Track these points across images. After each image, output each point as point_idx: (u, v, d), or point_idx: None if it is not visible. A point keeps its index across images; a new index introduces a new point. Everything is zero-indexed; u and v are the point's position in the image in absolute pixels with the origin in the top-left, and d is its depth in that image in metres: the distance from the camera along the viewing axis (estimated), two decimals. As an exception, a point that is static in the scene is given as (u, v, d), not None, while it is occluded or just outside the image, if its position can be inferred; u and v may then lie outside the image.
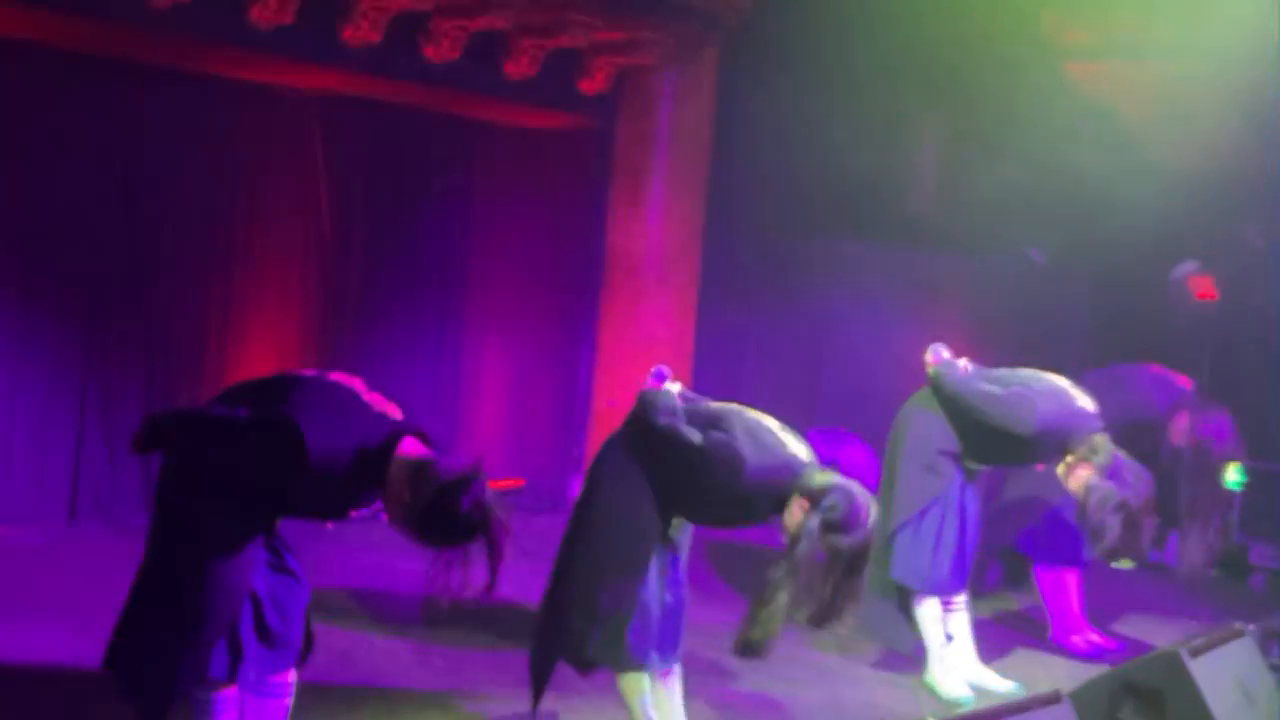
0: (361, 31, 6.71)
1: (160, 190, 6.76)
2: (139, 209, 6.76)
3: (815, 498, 3.79)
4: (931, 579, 5.20)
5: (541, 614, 4.27)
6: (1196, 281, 9.03)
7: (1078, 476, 4.93)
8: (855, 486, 3.82)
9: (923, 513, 5.21)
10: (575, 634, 4.12)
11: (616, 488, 4.14)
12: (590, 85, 8.01)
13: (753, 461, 3.89)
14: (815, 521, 3.75)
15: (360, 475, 3.24)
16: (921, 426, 5.30)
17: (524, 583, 6.47)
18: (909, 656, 5.37)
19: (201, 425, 3.26)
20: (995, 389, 5.10)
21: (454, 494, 3.16)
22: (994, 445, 5.10)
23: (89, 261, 6.61)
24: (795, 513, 3.83)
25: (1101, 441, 4.97)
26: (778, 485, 3.89)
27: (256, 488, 3.26)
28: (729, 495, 3.92)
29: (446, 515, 3.16)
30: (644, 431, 4.07)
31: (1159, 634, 5.83)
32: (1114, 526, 4.78)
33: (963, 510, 5.24)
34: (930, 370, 5.28)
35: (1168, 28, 7.38)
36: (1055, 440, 4.98)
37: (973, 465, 5.28)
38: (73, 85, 6.47)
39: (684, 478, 3.98)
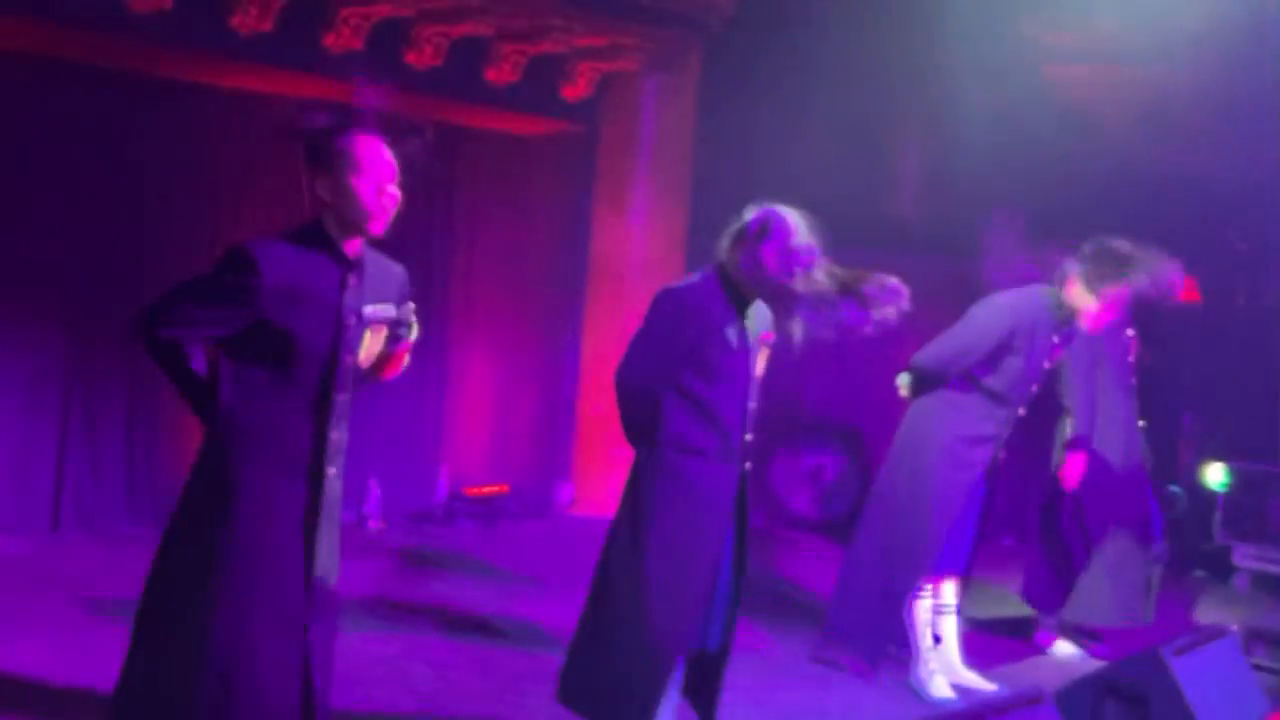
0: (343, 39, 6.71)
1: (144, 196, 6.76)
2: (122, 215, 6.75)
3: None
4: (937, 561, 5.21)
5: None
6: (1178, 283, 9.05)
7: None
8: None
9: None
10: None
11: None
12: (572, 91, 8.02)
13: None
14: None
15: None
16: (939, 420, 5.24)
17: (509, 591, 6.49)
18: (893, 658, 5.37)
19: (167, 298, 3.28)
20: (952, 338, 5.16)
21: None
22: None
23: (70, 269, 6.60)
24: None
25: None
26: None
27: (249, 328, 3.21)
28: None
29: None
30: None
31: (1143, 635, 5.82)
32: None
33: (979, 496, 5.24)
34: (904, 380, 5.27)
35: (1147, 31, 7.41)
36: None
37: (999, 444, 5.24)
38: (50, 92, 6.46)
39: None
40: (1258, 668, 4.95)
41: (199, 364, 3.29)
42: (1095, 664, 5.30)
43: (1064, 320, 5.18)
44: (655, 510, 4.10)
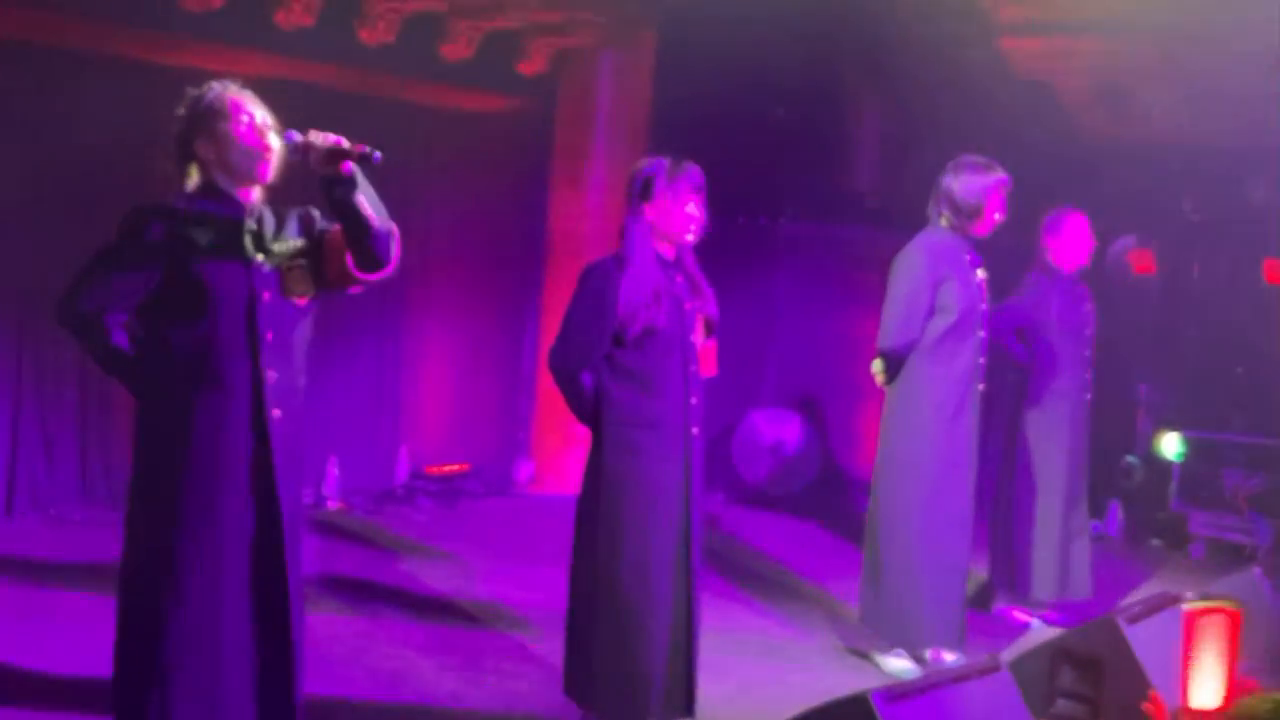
0: (294, 15, 6.63)
1: (95, 174, 6.66)
2: (72, 195, 6.65)
3: None
4: None
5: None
6: (1135, 255, 9.13)
7: None
8: None
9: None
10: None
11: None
12: (528, 67, 7.97)
13: None
14: None
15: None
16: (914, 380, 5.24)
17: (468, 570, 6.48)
18: (856, 632, 5.40)
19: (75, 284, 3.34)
20: (893, 306, 5.14)
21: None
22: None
23: (21, 249, 6.50)
24: None
25: None
26: None
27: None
28: None
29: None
30: None
31: (1097, 603, 5.87)
32: None
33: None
34: (878, 366, 5.25)
35: (1101, 3, 7.43)
36: None
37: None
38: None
39: None
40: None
41: (120, 338, 3.34)
42: (1050, 632, 5.33)
43: (966, 236, 5.19)
44: (611, 487, 4.11)
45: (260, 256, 3.35)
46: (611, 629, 4.09)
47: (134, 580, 3.36)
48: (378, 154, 3.24)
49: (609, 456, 4.12)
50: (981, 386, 5.20)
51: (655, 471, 4.11)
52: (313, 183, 3.32)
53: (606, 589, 4.10)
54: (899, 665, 5.16)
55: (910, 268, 5.15)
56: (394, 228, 3.40)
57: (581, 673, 4.18)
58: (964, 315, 5.11)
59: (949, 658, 5.16)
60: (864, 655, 5.31)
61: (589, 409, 4.17)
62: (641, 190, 4.15)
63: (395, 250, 3.41)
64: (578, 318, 4.14)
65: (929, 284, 5.08)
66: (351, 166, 3.25)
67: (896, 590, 5.13)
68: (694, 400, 4.18)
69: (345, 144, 3.23)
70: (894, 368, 5.19)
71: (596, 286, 4.10)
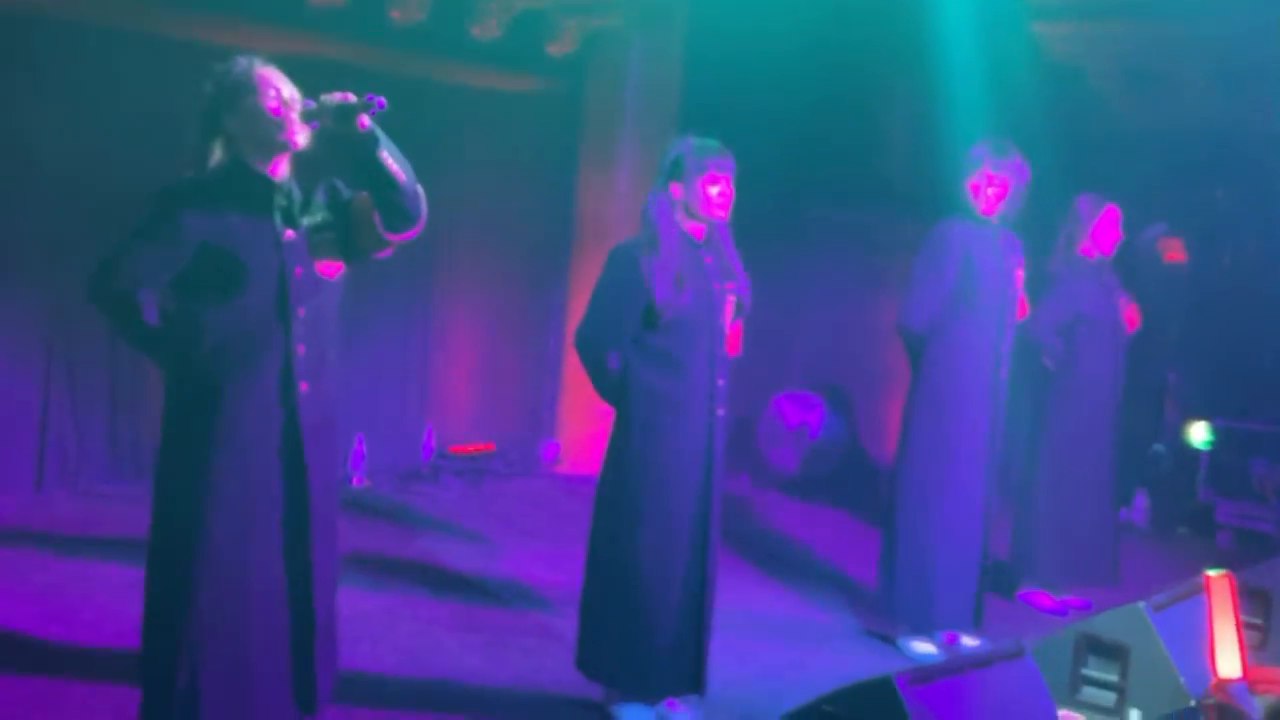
0: (325, -7, 6.64)
1: (123, 149, 6.69)
2: (101, 168, 6.68)
3: None
4: None
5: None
6: (1165, 243, 9.06)
7: None
8: None
9: None
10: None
11: None
12: (558, 48, 7.96)
13: None
14: None
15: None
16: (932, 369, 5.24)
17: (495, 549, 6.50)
18: (880, 616, 5.40)
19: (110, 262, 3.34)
20: (916, 287, 5.16)
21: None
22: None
23: (54, 224, 6.54)
24: None
25: None
26: None
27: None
28: None
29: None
30: None
31: (1123, 591, 5.86)
32: None
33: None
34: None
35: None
36: None
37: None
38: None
39: None
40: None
41: (151, 315, 3.34)
42: (1075, 618, 5.32)
43: (982, 222, 5.16)
44: (632, 467, 4.12)
45: (290, 231, 3.36)
46: (625, 606, 4.12)
47: (162, 553, 3.37)
48: (382, 100, 3.23)
49: (632, 436, 4.13)
50: (1004, 374, 5.18)
51: (677, 452, 4.12)
52: (338, 159, 3.33)
53: (622, 567, 4.12)
54: (923, 648, 5.16)
55: (935, 249, 5.15)
56: (420, 187, 3.40)
57: (593, 648, 4.21)
58: (987, 300, 5.10)
59: (969, 642, 5.16)
60: (888, 639, 5.31)
61: (614, 389, 4.17)
62: (671, 169, 4.15)
63: (423, 208, 3.41)
64: (604, 298, 4.15)
65: (951, 266, 5.07)
66: (369, 122, 3.25)
67: (911, 573, 5.14)
68: (720, 382, 4.18)
69: (352, 98, 3.23)
70: (911, 347, 5.19)
71: (624, 267, 4.11)
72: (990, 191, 5.13)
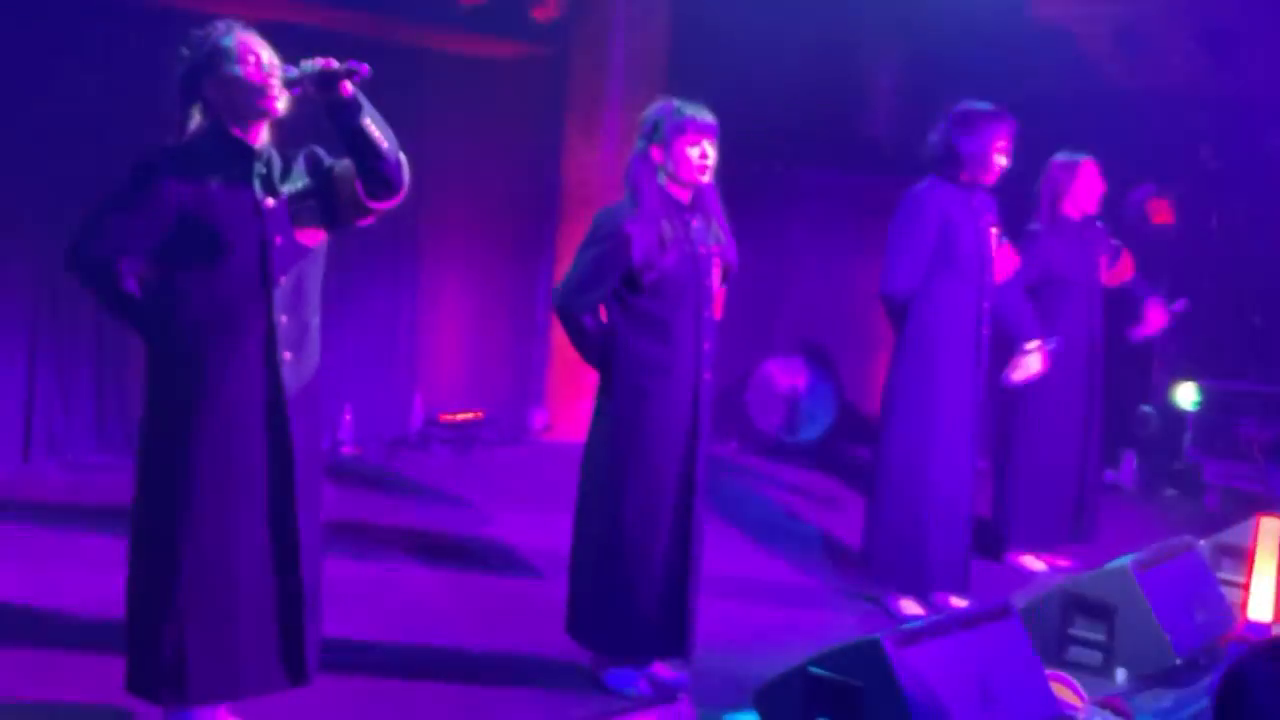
0: (307, -41, 6.59)
1: (106, 119, 6.64)
2: (85, 141, 6.64)
3: None
4: None
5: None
6: (1153, 205, 9.05)
7: None
8: None
9: None
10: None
11: None
12: (543, 12, 7.90)
13: None
14: None
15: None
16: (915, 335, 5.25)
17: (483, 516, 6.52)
18: (867, 578, 5.41)
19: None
20: (895, 253, 5.15)
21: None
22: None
23: (37, 195, 6.50)
24: None
25: None
26: None
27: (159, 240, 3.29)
28: None
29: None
30: None
31: (1110, 551, 5.88)
32: None
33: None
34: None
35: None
36: None
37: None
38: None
39: None
40: (1224, 582, 5.00)
41: (130, 284, 3.31)
42: (1060, 577, 5.34)
43: (972, 184, 5.14)
44: (617, 431, 4.12)
45: (270, 199, 3.34)
46: (611, 570, 4.13)
47: (145, 523, 3.37)
48: (365, 66, 3.21)
49: (617, 400, 4.13)
50: (986, 331, 5.19)
51: (662, 416, 4.12)
52: (321, 127, 3.31)
53: (608, 531, 4.13)
54: (910, 610, 5.18)
55: (911, 213, 5.14)
56: (402, 154, 3.38)
57: (582, 612, 4.22)
58: (967, 261, 5.10)
59: (957, 603, 5.18)
60: (875, 600, 5.33)
61: (594, 350, 4.17)
62: (651, 132, 4.14)
63: (405, 176, 3.39)
64: (583, 259, 4.14)
65: (930, 230, 5.07)
66: (351, 89, 3.23)
67: (900, 535, 5.16)
68: (706, 345, 4.17)
69: (334, 64, 3.21)
70: (895, 313, 5.19)
71: (606, 229, 4.10)
72: (1001, 161, 5.12)
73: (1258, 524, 4.82)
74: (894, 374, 5.23)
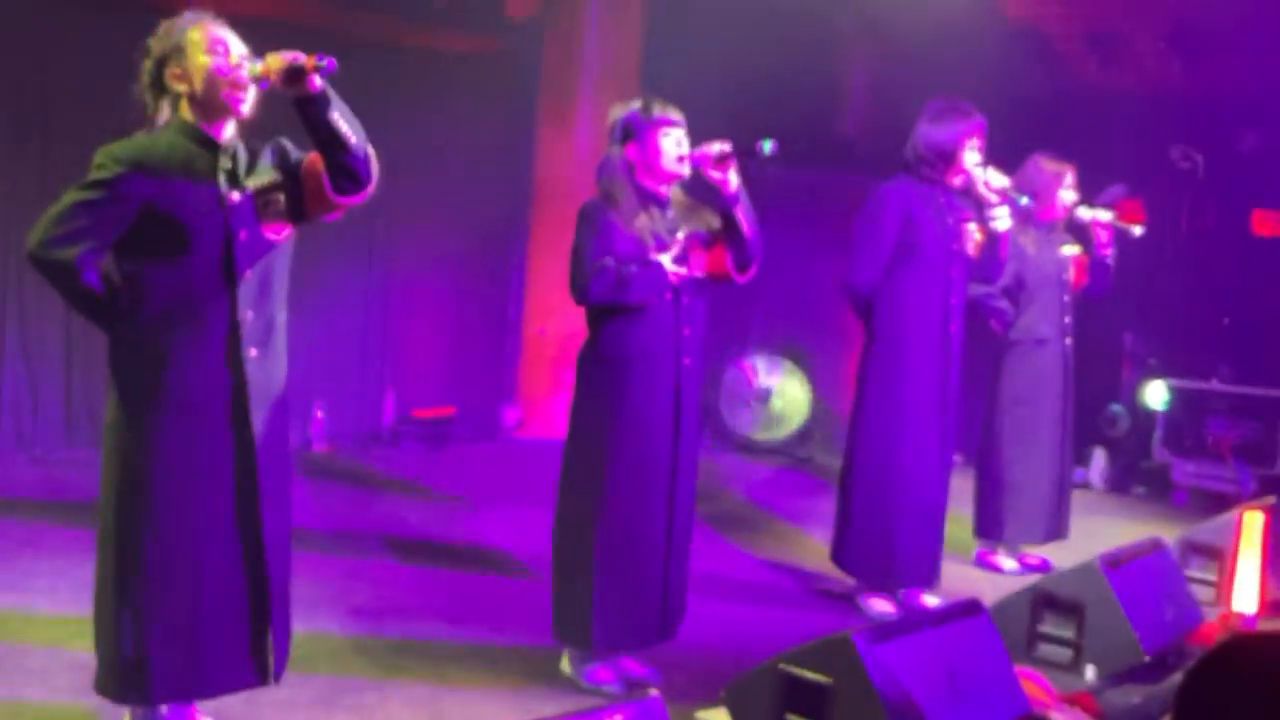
0: (280, -47, 6.55)
1: (67, 108, 6.59)
2: (49, 127, 6.59)
3: None
4: None
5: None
6: (1124, 205, 9.09)
7: None
8: None
9: None
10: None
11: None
12: (516, 9, 7.90)
13: None
14: None
15: None
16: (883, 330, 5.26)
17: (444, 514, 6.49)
18: (839, 575, 5.42)
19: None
20: (858, 246, 5.18)
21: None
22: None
23: (2, 189, 6.46)
24: None
25: None
26: None
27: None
28: None
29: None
30: None
31: (1080, 550, 5.91)
32: None
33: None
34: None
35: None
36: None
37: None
38: None
39: None
40: (1194, 580, 5.03)
41: (91, 278, 3.24)
42: (1032, 577, 5.36)
43: (941, 183, 5.16)
44: (599, 420, 4.10)
45: (235, 194, 3.31)
46: (606, 565, 4.09)
47: (111, 519, 3.32)
48: (331, 60, 3.18)
49: (598, 388, 4.11)
50: (955, 328, 5.20)
51: (644, 404, 4.10)
52: (289, 118, 3.28)
53: (597, 525, 4.09)
54: (881, 607, 5.20)
55: (875, 209, 5.16)
56: (370, 149, 3.36)
57: (576, 612, 4.16)
58: (932, 257, 5.11)
59: (927, 599, 5.20)
60: (847, 598, 5.34)
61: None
62: (622, 134, 4.13)
63: (373, 170, 3.37)
64: (587, 248, 4.09)
65: (892, 224, 5.08)
66: (320, 83, 3.21)
67: (869, 530, 5.17)
68: (686, 331, 4.16)
69: (302, 58, 3.18)
70: (859, 306, 5.20)
71: (598, 218, 4.08)
72: (972, 159, 5.14)
73: (1240, 519, 4.85)
74: (863, 371, 5.25)
